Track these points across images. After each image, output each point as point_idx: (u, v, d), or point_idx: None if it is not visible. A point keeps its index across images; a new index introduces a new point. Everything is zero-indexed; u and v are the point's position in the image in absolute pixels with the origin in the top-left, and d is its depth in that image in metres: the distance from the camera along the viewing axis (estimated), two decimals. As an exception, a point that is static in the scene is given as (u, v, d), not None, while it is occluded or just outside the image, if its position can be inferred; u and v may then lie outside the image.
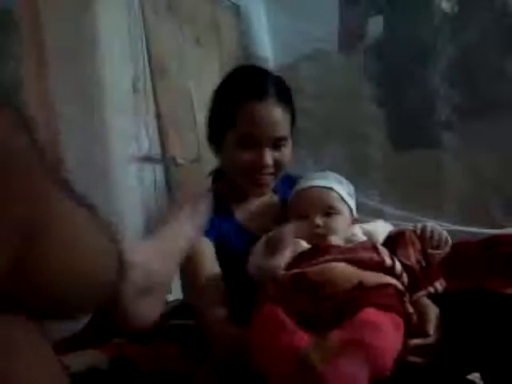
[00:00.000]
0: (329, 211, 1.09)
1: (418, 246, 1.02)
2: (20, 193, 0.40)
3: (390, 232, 1.07)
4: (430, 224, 1.07)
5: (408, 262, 0.98)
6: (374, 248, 0.98)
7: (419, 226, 1.06)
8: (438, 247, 1.03)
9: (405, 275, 0.96)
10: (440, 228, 1.06)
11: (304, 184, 1.15)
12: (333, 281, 0.90)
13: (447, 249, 1.04)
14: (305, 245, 1.03)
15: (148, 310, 0.68)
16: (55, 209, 0.46)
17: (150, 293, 0.67)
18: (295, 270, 0.95)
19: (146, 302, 0.67)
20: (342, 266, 0.93)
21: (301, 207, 1.11)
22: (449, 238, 1.04)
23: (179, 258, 0.83)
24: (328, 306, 0.87)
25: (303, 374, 0.77)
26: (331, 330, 0.82)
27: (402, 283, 0.95)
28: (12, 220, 0.40)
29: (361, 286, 0.89)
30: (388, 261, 0.95)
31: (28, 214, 0.41)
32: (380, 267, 0.94)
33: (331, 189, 1.12)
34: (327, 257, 0.96)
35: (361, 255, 0.95)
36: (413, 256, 1.00)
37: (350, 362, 0.77)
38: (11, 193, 0.39)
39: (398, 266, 0.96)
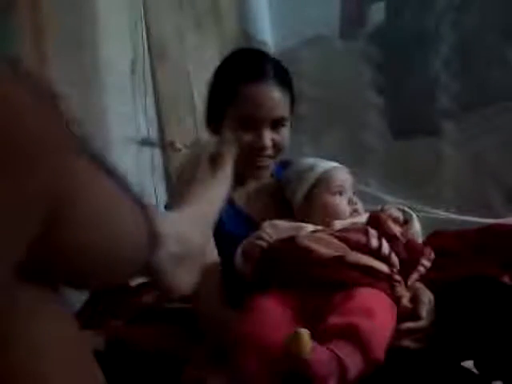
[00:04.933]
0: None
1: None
2: (42, 160, 0.38)
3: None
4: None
5: (409, 236, 1.02)
6: (365, 231, 0.99)
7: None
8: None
9: (393, 256, 0.96)
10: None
11: (332, 163, 1.15)
12: (319, 247, 0.94)
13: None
14: (311, 229, 1.03)
15: (185, 278, 0.68)
16: (82, 178, 0.45)
17: (185, 260, 0.67)
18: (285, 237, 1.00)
19: (182, 270, 0.67)
20: (329, 237, 0.97)
21: (339, 183, 1.11)
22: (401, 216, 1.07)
23: (212, 220, 0.83)
24: (316, 270, 0.92)
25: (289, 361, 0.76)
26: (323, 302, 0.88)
27: (392, 265, 0.96)
28: (34, 190, 0.38)
29: (340, 259, 0.92)
30: (374, 242, 0.96)
31: (52, 183, 0.40)
32: (366, 249, 0.95)
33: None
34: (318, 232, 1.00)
35: (349, 236, 0.97)
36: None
37: (341, 347, 0.78)
38: (32, 160, 0.37)
39: (385, 248, 0.96)
